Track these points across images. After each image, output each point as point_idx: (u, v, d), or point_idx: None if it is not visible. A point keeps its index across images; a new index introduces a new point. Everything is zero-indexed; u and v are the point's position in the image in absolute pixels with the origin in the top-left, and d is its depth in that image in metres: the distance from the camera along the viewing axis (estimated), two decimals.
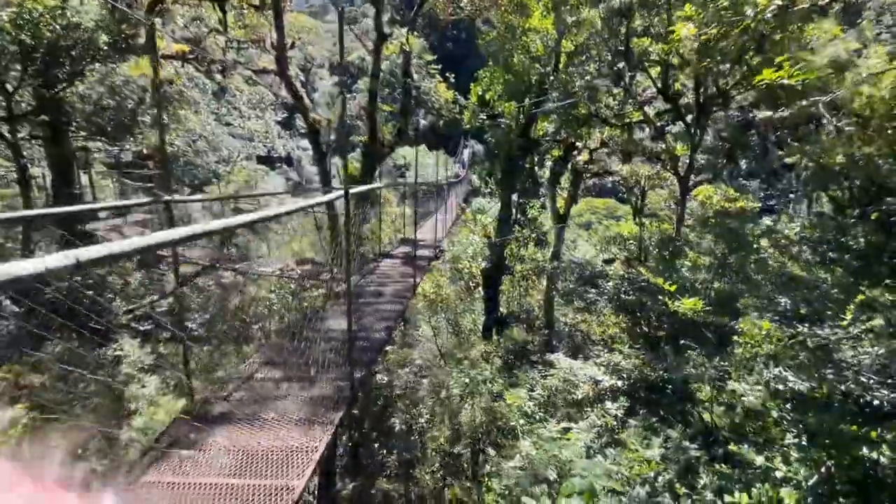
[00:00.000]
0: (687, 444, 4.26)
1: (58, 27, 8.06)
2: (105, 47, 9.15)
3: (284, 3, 10.97)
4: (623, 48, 9.09)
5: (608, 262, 12.60)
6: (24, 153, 10.07)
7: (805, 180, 16.06)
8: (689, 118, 9.51)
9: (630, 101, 10.04)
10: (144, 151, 13.00)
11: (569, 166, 14.04)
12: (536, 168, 12.42)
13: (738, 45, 5.68)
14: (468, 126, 12.41)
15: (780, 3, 4.07)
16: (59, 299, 10.69)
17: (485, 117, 12.16)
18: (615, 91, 10.65)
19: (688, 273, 8.88)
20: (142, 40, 10.04)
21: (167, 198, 3.34)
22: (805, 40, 7.18)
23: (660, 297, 8.92)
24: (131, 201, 3.77)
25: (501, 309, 12.36)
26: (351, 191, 3.63)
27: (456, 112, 12.91)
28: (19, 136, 9.71)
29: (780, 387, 3.73)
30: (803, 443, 3.43)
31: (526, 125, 11.74)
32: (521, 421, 5.33)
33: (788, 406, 3.75)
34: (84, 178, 15.53)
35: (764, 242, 9.01)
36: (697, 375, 5.03)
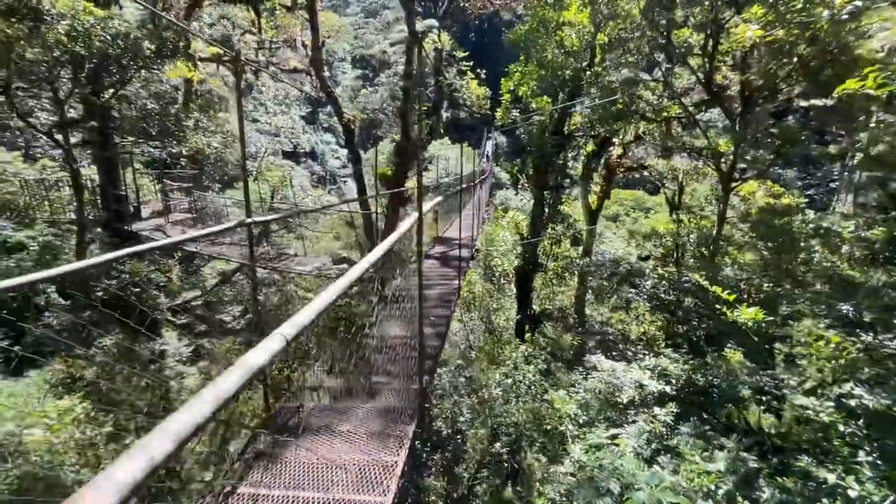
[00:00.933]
0: (745, 454, 4.19)
1: (107, 36, 8.35)
2: (149, 54, 9.46)
3: (318, 4, 11.06)
4: (664, 41, 8.82)
5: (644, 258, 12.37)
6: (76, 157, 10.51)
7: (852, 169, 15.33)
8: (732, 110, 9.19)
9: (669, 94, 9.75)
10: (184, 152, 13.40)
11: (602, 161, 13.79)
12: (570, 163, 12.23)
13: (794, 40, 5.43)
14: (500, 122, 12.31)
15: (861, 3, 3.86)
16: (111, 296, 11.19)
17: (518, 113, 12.04)
18: (653, 84, 10.36)
19: (730, 272, 8.65)
20: (181, 44, 10.32)
21: (249, 220, 3.45)
22: (863, 28, 6.81)
23: (699, 299, 8.73)
24: (223, 226, 3.85)
25: (534, 307, 12.31)
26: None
27: (487, 108, 12.81)
28: (72, 142, 10.15)
29: (853, 402, 3.61)
30: (878, 462, 3.32)
31: (560, 120, 11.57)
32: (570, 426, 5.34)
33: (861, 422, 3.63)
34: (127, 179, 16.13)
35: (813, 242, 8.67)
36: (752, 384, 4.92)
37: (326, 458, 2.64)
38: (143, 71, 9.58)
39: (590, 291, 13.73)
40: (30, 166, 19.71)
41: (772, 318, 5.26)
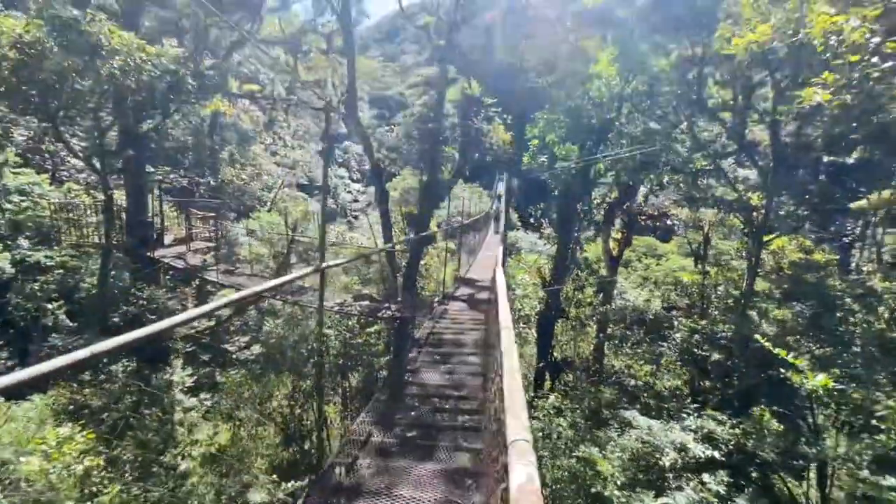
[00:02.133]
0: None
1: (157, 72, 8.69)
2: (191, 89, 9.81)
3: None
4: (695, 95, 9.01)
5: (668, 309, 12.12)
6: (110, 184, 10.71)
7: (875, 224, 15.21)
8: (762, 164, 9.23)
9: (696, 146, 9.86)
10: (211, 182, 13.66)
11: (624, 208, 13.82)
12: (594, 209, 12.27)
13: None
14: (526, 166, 12.45)
15: None
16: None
17: (545, 160, 12.21)
18: (681, 137, 10.51)
19: (767, 327, 8.39)
20: (220, 82, 10.74)
21: (324, 265, 3.38)
22: None
23: (733, 354, 8.42)
24: (299, 273, 3.80)
25: (555, 354, 11.98)
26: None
27: (511, 152, 13.03)
28: (108, 169, 10.37)
29: None
30: None
31: (586, 167, 11.69)
32: (617, 493, 4.99)
33: None
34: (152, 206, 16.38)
35: (848, 300, 8.45)
36: (817, 455, 4.60)
37: None
38: (183, 105, 9.92)
39: (607, 341, 13.39)
40: (56, 188, 20.17)
41: (842, 386, 5.00)
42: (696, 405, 7.93)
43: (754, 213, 8.97)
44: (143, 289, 12.12)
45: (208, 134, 11.68)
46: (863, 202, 9.98)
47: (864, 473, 4.21)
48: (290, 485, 5.45)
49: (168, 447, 11.13)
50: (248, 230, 23.78)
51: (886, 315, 8.34)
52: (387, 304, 9.85)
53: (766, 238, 9.22)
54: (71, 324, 21.73)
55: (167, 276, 15.25)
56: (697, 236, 13.68)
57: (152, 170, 12.21)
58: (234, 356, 18.91)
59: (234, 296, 2.15)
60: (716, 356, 9.12)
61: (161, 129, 10.65)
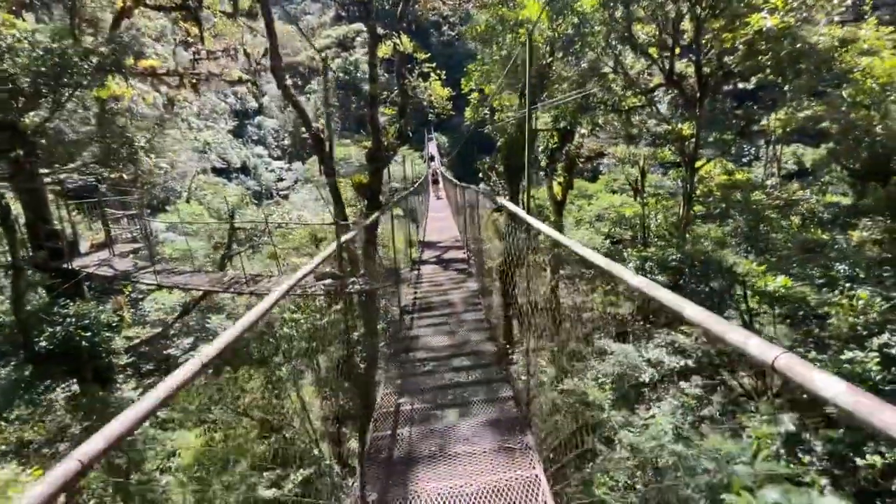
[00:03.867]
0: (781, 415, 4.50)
1: (38, 52, 7.34)
2: (87, 70, 8.41)
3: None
4: (626, 33, 9.28)
5: (615, 242, 12.95)
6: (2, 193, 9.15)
7: (775, 142, 17.01)
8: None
9: (629, 83, 10.28)
10: (124, 177, 12.11)
11: (564, 153, 14.27)
12: (538, 158, 12.53)
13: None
14: (468, 121, 12.30)
15: None
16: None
17: (487, 112, 12.12)
18: (611, 76, 10.87)
19: (708, 245, 9.26)
20: (123, 59, 9.27)
21: (343, 238, 3.15)
22: None
23: (682, 274, 9.26)
24: (326, 252, 3.51)
25: (519, 300, 12.45)
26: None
27: (450, 109, 12.80)
28: None
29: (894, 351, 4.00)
30: None
31: (523, 119, 11.80)
32: (614, 413, 5.43)
33: None
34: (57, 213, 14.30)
35: (770, 212, 9.51)
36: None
37: (460, 484, 2.46)
38: (78, 90, 8.50)
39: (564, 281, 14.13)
40: None
41: (795, 284, 5.72)
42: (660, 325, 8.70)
43: (686, 143, 9.68)
44: (66, 305, 10.80)
45: (110, 122, 10.18)
46: (772, 121, 11.09)
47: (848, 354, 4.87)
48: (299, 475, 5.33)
49: (139, 466, 10.41)
50: (170, 224, 21.67)
51: (798, 221, 9.53)
52: (352, 279, 9.59)
53: (697, 164, 10.03)
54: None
55: (88, 287, 13.67)
56: (633, 171, 14.55)
57: (47, 171, 10.54)
58: (179, 360, 17.70)
59: (284, 286, 1.96)
60: (663, 278, 10.00)
61: (53, 123, 9.11)
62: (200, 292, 12.61)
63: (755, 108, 12.30)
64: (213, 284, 10.60)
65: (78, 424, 10.84)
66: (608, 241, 14.28)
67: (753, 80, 11.17)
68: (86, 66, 8.30)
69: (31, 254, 10.77)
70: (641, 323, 8.87)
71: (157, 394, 0.94)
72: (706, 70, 9.57)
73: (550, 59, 11.22)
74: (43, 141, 10.45)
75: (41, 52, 7.37)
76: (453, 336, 4.50)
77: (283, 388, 10.87)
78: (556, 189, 15.04)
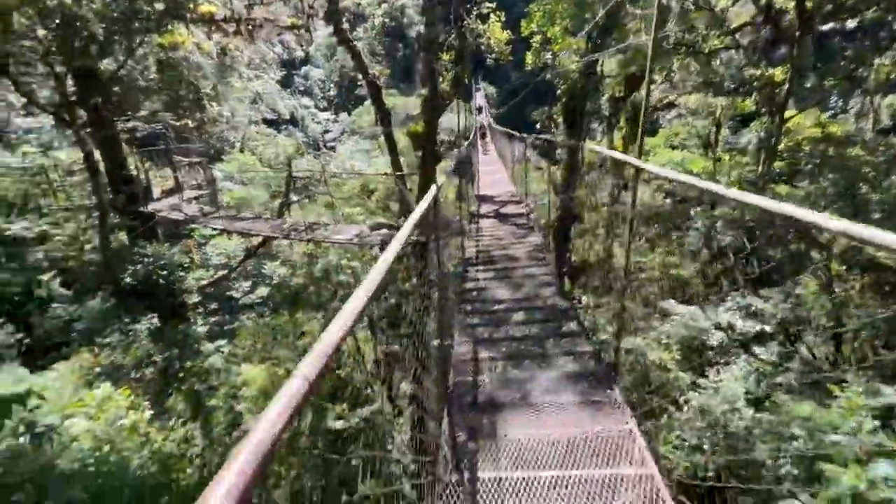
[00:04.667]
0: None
1: None
2: (148, 16, 8.52)
3: None
4: None
5: (680, 201, 12.20)
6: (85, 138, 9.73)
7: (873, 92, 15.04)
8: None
9: (714, 24, 9.19)
10: (190, 124, 12.53)
11: (628, 103, 13.28)
12: (601, 108, 11.72)
13: None
14: (529, 66, 11.56)
15: None
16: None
17: (550, 56, 11.33)
18: (694, 14, 9.74)
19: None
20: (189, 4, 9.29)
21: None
22: None
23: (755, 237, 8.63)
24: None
25: (573, 258, 12.18)
26: None
27: (509, 54, 12.08)
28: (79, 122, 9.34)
29: None
30: None
31: (592, 62, 10.94)
32: (682, 374, 5.30)
33: None
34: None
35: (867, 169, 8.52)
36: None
37: (547, 433, 2.48)
38: (146, 35, 8.67)
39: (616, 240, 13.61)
40: (11, 154, 18.54)
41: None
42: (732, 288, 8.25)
43: (776, 91, 8.65)
44: (144, 246, 11.66)
45: (174, 69, 10.39)
46: (878, 67, 9.64)
47: None
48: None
49: (212, 393, 11.48)
50: (227, 174, 22.52)
51: None
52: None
53: (786, 115, 9.01)
54: (66, 292, 21.28)
55: (161, 230, 14.61)
56: (699, 124, 13.36)
57: (123, 118, 11.05)
58: (239, 301, 18.96)
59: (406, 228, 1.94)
60: (728, 239, 9.37)
61: (125, 69, 9.41)
62: (260, 238, 13.19)
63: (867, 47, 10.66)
64: (274, 231, 11.03)
65: (159, 354, 12.02)
66: (668, 198, 13.46)
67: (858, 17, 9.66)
68: (152, 11, 8.42)
69: (111, 197, 11.57)
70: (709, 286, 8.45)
71: (353, 307, 0.95)
72: (808, 3, 8.35)
73: None
74: (116, 88, 10.91)
75: None
76: (521, 289, 4.44)
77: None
78: (618, 142, 14.18)
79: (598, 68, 11.11)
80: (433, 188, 2.77)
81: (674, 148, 19.23)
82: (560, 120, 11.93)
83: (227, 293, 18.41)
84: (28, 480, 4.57)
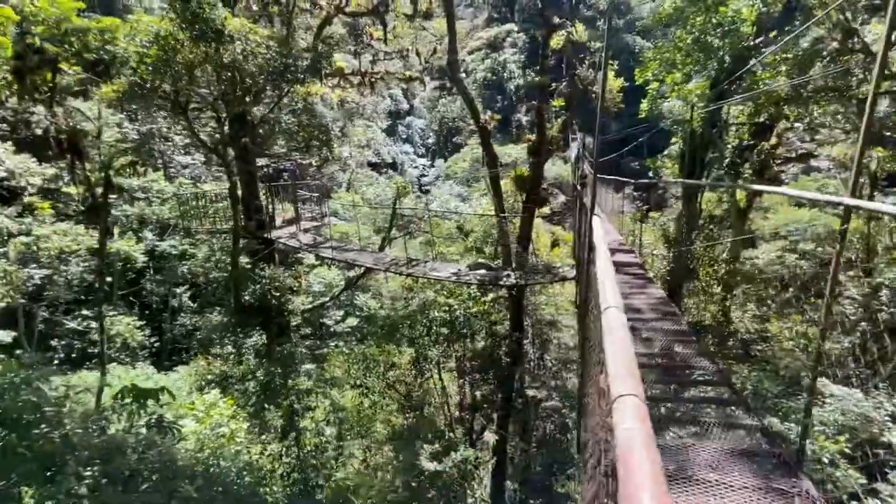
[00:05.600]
0: None
1: (272, 55, 8.78)
2: (301, 71, 9.84)
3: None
4: None
5: (823, 264, 10.58)
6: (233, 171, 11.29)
7: None
8: None
9: (866, 65, 8.14)
10: (313, 164, 14.01)
11: (755, 153, 12.14)
12: (724, 157, 10.84)
13: None
14: (644, 114, 11.22)
15: None
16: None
17: (667, 103, 10.93)
18: (846, 57, 8.77)
19: None
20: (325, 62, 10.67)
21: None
22: None
23: None
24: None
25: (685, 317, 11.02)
26: None
27: (621, 102, 11.85)
28: (229, 157, 10.89)
29: None
30: None
31: (714, 110, 10.29)
32: (852, 473, 4.32)
33: None
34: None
35: None
36: None
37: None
38: (293, 86, 10.00)
39: (743, 303, 12.09)
40: (170, 184, 22.11)
41: None
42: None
43: None
44: (263, 269, 12.86)
45: (308, 115, 11.77)
46: None
47: None
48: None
49: (304, 413, 11.92)
50: (333, 211, 24.60)
51: None
52: (506, 273, 9.53)
53: None
54: (192, 304, 24.09)
55: (277, 256, 16.06)
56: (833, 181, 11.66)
57: (265, 154, 12.68)
58: (331, 328, 19.95)
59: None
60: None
61: (273, 115, 10.88)
62: (362, 270, 13.97)
63: None
64: (376, 263, 11.57)
65: (262, 368, 12.92)
66: (801, 259, 11.75)
67: None
68: (301, 66, 9.72)
69: (243, 223, 13.13)
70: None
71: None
72: None
73: (757, 39, 9.54)
74: (261, 131, 12.62)
75: (271, 55, 8.78)
76: (652, 344, 3.99)
77: (427, 367, 11.46)
78: (740, 196, 12.93)
79: (724, 115, 10.37)
80: (597, 221, 2.61)
81: (798, 206, 17.02)
82: (673, 170, 11.23)
83: (321, 320, 19.58)
84: (156, 470, 4.97)
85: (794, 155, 12.23)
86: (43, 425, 4.03)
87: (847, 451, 4.90)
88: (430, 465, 6.26)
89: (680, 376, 3.33)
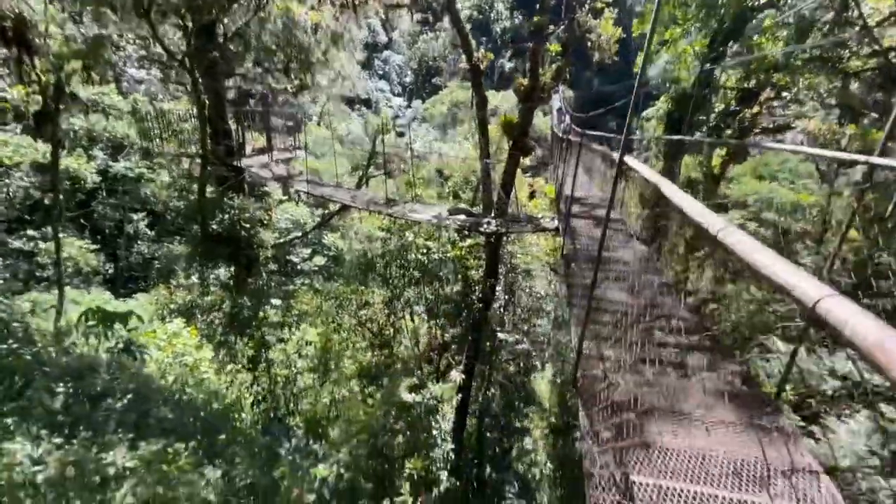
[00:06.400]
0: None
1: None
2: None
3: None
4: None
5: (782, 233, 11.19)
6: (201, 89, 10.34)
7: None
8: None
9: (867, 39, 8.21)
10: (288, 88, 13.04)
11: (737, 119, 12.31)
12: (710, 120, 10.90)
13: None
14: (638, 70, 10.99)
15: None
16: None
17: (667, 59, 10.68)
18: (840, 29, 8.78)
19: None
20: None
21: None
22: None
23: None
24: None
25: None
26: None
27: (616, 53, 11.51)
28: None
29: None
30: None
31: (707, 73, 10.20)
32: (793, 416, 4.80)
33: None
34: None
35: None
36: None
37: (707, 449, 2.24)
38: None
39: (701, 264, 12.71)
40: (123, 99, 20.17)
41: None
42: None
43: None
44: (232, 198, 12.26)
45: (287, 33, 10.77)
46: None
47: None
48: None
49: (275, 345, 11.91)
50: (306, 144, 23.46)
51: None
52: (487, 220, 9.52)
53: None
54: (149, 232, 22.94)
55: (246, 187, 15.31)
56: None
57: (237, 75, 11.64)
58: (297, 266, 19.66)
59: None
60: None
61: (248, 28, 9.87)
62: (336, 207, 13.55)
63: None
64: (353, 200, 11.24)
65: (228, 301, 12.67)
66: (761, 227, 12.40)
67: None
68: None
69: (211, 148, 12.28)
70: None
71: None
72: None
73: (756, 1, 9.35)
74: (231, 47, 11.51)
75: None
76: (640, 295, 4.13)
77: (399, 307, 11.57)
78: (716, 161, 13.24)
79: (717, 77, 10.31)
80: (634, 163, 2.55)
81: (760, 178, 17.69)
82: (658, 131, 11.25)
83: (287, 257, 19.18)
84: (127, 391, 4.88)
85: (771, 126, 12.47)
86: (10, 340, 3.81)
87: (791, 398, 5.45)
88: (409, 397, 6.49)
89: (666, 325, 3.49)
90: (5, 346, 3.80)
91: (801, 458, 2.13)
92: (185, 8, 8.89)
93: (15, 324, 4.10)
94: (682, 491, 2.00)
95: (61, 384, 3.88)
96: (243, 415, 10.72)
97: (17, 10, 7.61)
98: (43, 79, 8.29)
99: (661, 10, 10.99)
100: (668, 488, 2.02)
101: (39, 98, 8.65)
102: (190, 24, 9.63)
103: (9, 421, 3.30)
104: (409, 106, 67.45)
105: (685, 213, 1.75)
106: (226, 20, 10.17)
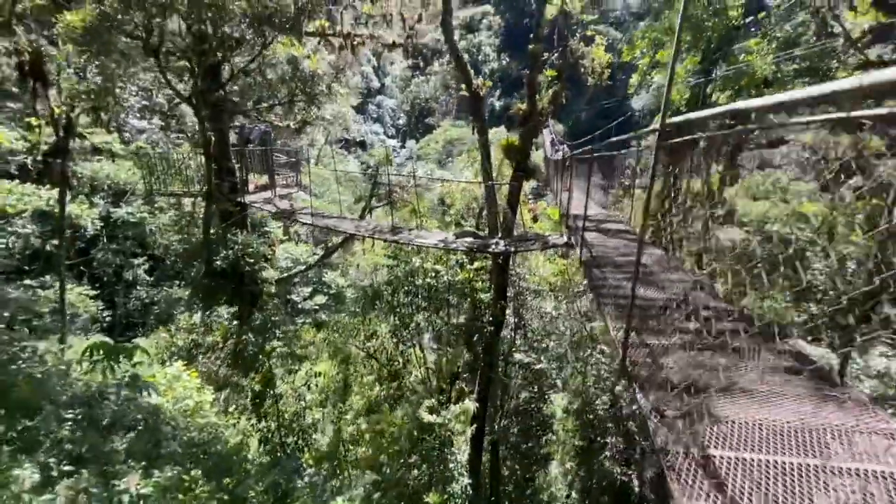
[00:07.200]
0: None
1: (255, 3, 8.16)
2: (284, 18, 9.21)
3: None
4: None
5: (783, 241, 11.18)
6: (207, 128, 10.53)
7: None
8: None
9: (852, 49, 8.54)
10: (291, 125, 13.33)
11: (730, 137, 12.59)
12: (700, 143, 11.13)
13: None
14: (631, 90, 11.37)
15: None
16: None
17: (656, 78, 11.06)
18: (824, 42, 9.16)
19: None
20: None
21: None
22: None
23: None
24: None
25: None
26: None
27: (607, 79, 11.94)
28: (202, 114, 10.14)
29: None
30: None
31: (698, 94, 10.55)
32: None
33: None
34: None
35: None
36: None
37: (772, 419, 2.09)
38: (278, 36, 9.37)
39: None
40: (125, 148, 20.59)
41: None
42: None
43: None
44: (236, 234, 12.23)
45: (292, 67, 11.08)
46: None
47: None
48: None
49: (284, 377, 11.51)
50: (306, 185, 23.83)
51: None
52: (494, 241, 9.49)
53: None
54: (148, 278, 22.69)
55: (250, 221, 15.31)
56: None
57: (240, 112, 11.91)
58: (298, 305, 19.36)
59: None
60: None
61: (253, 66, 10.18)
62: (340, 239, 13.52)
63: None
64: (358, 229, 11.21)
65: (231, 340, 12.37)
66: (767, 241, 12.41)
67: None
68: (286, 14, 9.12)
69: (216, 184, 12.35)
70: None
71: None
72: None
73: (743, 20, 9.81)
74: (236, 87, 11.86)
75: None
76: (667, 290, 4.05)
77: (408, 336, 11.27)
78: (714, 178, 13.42)
79: (708, 98, 10.64)
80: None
81: (755, 199, 17.85)
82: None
83: (288, 296, 18.94)
84: (137, 422, 4.63)
85: (764, 142, 12.75)
86: (14, 367, 3.60)
87: None
88: (430, 417, 6.19)
89: (701, 316, 3.37)
90: (13, 371, 3.60)
91: (878, 423, 1.99)
92: (191, 50, 9.19)
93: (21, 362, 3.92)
94: (765, 462, 1.84)
95: (70, 411, 3.67)
96: (249, 455, 10.22)
97: (35, 45, 7.84)
98: (56, 111, 8.41)
99: (648, 35, 11.51)
100: (750, 460, 1.86)
101: (51, 131, 8.72)
102: (197, 65, 9.93)
103: (15, 447, 3.09)
104: (402, 146, 69.08)
105: None
106: (234, 59, 10.51)
